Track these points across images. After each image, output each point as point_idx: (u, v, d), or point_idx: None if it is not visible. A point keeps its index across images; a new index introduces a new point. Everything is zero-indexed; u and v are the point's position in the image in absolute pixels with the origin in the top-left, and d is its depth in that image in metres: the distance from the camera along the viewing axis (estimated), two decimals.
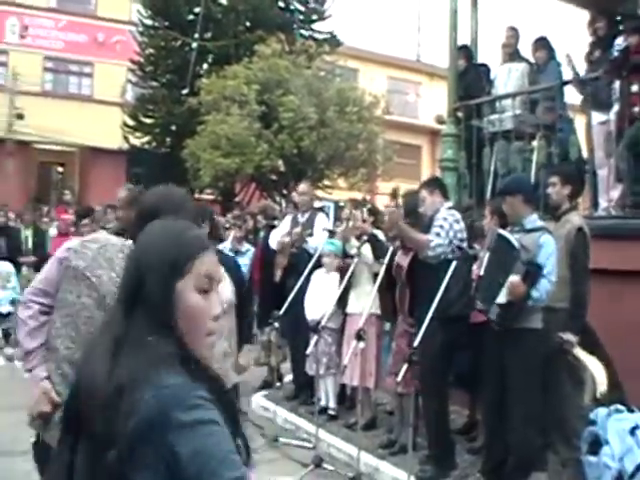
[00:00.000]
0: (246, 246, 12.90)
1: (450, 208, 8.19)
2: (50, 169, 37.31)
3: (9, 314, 15.22)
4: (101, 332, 2.27)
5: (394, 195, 7.91)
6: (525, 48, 11.95)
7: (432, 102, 38.53)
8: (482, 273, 7.11)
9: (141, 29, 31.51)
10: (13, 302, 15.22)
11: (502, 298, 6.77)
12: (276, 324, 10.02)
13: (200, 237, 2.34)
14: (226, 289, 6.10)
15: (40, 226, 17.49)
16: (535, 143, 11.00)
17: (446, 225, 7.80)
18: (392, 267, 8.69)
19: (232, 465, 2.02)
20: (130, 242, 4.08)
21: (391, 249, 8.80)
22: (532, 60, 11.72)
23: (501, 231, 7.07)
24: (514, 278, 6.66)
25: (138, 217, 3.79)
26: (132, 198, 6.31)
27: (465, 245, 8.00)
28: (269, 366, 12.06)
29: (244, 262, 12.13)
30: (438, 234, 7.76)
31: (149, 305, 2.18)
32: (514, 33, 12.14)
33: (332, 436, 9.30)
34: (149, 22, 31.15)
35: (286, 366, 11.75)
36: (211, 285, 2.25)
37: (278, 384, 11.32)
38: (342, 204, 15.13)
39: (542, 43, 11.54)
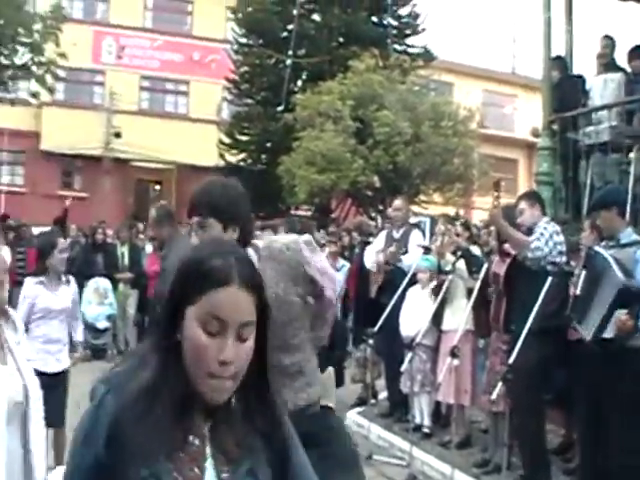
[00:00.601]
0: (341, 262, 12.88)
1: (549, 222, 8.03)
2: (147, 186, 37.83)
3: (106, 330, 15.44)
4: None
5: (496, 189, 7.73)
6: (621, 57, 11.69)
7: (528, 114, 38.05)
8: (578, 292, 6.92)
9: (236, 47, 31.89)
10: (110, 318, 15.44)
11: (609, 333, 6.52)
12: (371, 341, 9.96)
13: (223, 270, 2.01)
14: None
15: (136, 243, 17.69)
16: (632, 155, 10.74)
17: (546, 234, 7.60)
18: (487, 282, 8.57)
19: None
20: None
21: (486, 265, 8.69)
22: (628, 69, 11.46)
23: (597, 248, 6.90)
24: (622, 314, 6.39)
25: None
26: (162, 216, 6.38)
27: (564, 259, 7.81)
28: (364, 383, 11.98)
29: (339, 278, 12.12)
30: (538, 239, 7.58)
31: (157, 322, 2.11)
32: (609, 42, 11.86)
33: (426, 454, 9.21)
34: (244, 40, 31.52)
35: (381, 383, 11.67)
36: (222, 329, 1.97)
37: (373, 401, 11.25)
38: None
39: (638, 52, 11.28)
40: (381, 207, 23.38)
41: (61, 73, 24.56)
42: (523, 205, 8.03)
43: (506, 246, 8.10)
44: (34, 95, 24.46)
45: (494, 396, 6.96)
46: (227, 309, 1.98)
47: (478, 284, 8.58)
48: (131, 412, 1.96)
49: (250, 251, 3.88)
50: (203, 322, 1.97)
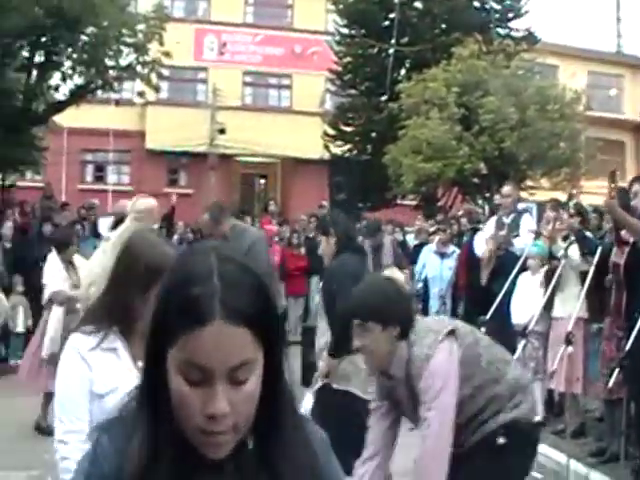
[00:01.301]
0: (451, 248, 12.82)
1: None
2: (252, 181, 38.08)
3: None
4: None
5: (612, 179, 7.59)
6: None
7: (635, 95, 37.36)
8: None
9: (338, 38, 31.84)
10: None
11: None
12: (482, 329, 9.88)
13: (200, 302, 1.56)
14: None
15: None
16: None
17: None
18: (600, 268, 8.42)
19: None
20: None
21: (600, 248, 8.54)
22: None
23: None
24: None
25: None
26: (216, 214, 6.42)
27: None
28: None
29: (449, 265, 12.08)
30: None
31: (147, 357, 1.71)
32: None
33: (540, 443, 9.10)
34: (345, 31, 31.46)
35: None
36: (207, 377, 1.56)
37: None
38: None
39: None
40: (487, 194, 23.21)
41: (164, 72, 24.85)
42: (637, 187, 7.87)
43: (623, 234, 7.93)
44: (140, 94, 24.84)
45: (611, 383, 6.84)
46: (208, 354, 1.55)
47: (592, 270, 8.44)
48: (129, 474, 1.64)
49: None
50: (182, 370, 1.56)
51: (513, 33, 29.79)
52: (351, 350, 5.94)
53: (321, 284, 6.77)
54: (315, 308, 7.02)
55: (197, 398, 1.56)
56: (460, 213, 16.64)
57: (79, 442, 3.11)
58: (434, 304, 12.08)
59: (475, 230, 12.12)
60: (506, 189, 11.49)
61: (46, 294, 10.38)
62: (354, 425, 6.00)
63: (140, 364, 3.41)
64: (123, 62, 21.10)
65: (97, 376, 3.30)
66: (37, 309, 12.50)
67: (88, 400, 3.31)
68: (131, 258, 3.40)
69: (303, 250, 18.36)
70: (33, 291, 14.36)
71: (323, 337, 6.61)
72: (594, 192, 19.97)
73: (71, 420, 3.28)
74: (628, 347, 6.75)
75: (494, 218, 11.59)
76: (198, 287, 1.56)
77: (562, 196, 17.17)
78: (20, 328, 14.97)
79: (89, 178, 37.29)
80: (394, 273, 12.02)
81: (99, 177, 37.34)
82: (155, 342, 1.63)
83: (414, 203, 27.89)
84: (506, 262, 10.49)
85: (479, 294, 11.20)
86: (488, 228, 11.38)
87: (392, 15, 28.51)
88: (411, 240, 17.79)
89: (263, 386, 1.64)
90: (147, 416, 1.67)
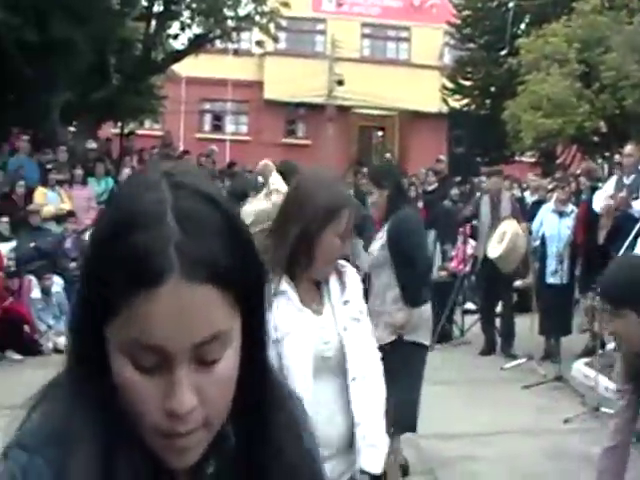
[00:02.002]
0: (570, 207, 12.58)
1: None
2: (370, 133, 38.04)
3: None
4: None
5: None
6: None
7: None
8: None
9: None
10: None
11: None
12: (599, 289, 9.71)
13: (148, 250, 1.08)
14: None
15: (361, 188, 17.91)
16: None
17: None
18: None
19: None
20: None
21: None
22: None
23: None
24: None
25: None
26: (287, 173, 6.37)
27: None
28: (592, 332, 11.73)
29: (567, 224, 11.88)
30: None
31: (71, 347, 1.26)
32: None
33: None
34: None
35: None
36: (164, 361, 1.10)
37: (600, 351, 10.99)
38: None
39: None
40: (607, 153, 22.76)
41: (282, 23, 24.90)
42: None
43: None
44: (259, 44, 24.94)
45: None
46: (164, 328, 1.08)
47: None
48: None
49: None
50: (128, 352, 1.11)
51: None
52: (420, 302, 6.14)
53: (382, 238, 6.69)
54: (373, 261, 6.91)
55: (152, 389, 1.11)
56: (579, 171, 16.36)
57: None
58: (551, 263, 11.88)
59: (594, 189, 11.89)
60: (628, 148, 11.20)
61: None
62: (421, 374, 6.64)
63: (312, 305, 3.38)
64: (241, 12, 21.20)
65: (272, 321, 3.14)
66: None
67: None
68: (303, 199, 3.30)
69: (420, 204, 18.25)
70: None
71: (390, 291, 6.62)
72: None
73: None
74: None
75: (614, 178, 11.35)
76: (143, 232, 1.09)
77: None
78: None
79: (207, 127, 37.75)
80: (512, 225, 11.92)
81: (217, 126, 37.81)
82: (87, 316, 1.15)
83: (533, 160, 27.58)
84: (624, 224, 10.25)
85: (597, 253, 11.01)
86: (607, 188, 11.14)
87: None
88: (529, 197, 17.56)
89: (242, 365, 1.20)
90: (90, 419, 1.16)
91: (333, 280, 3.40)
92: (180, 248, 1.08)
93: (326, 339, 3.29)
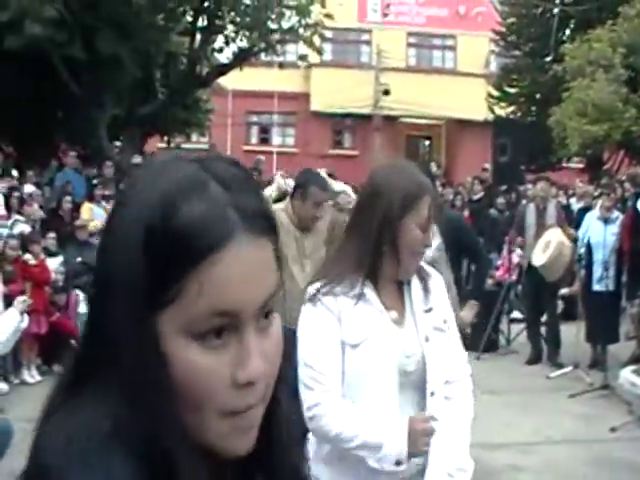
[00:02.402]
0: (616, 213, 12.49)
1: None
2: (417, 142, 38.04)
3: None
4: None
5: None
6: None
7: None
8: None
9: None
10: None
11: None
12: None
13: (210, 217, 1.08)
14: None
15: None
16: None
17: None
18: None
19: None
20: None
21: None
22: None
23: None
24: None
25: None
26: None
27: None
28: (639, 340, 11.63)
29: (613, 230, 11.79)
30: None
31: (103, 339, 1.11)
32: None
33: None
34: None
35: None
36: (232, 327, 1.09)
37: None
38: None
39: None
40: None
41: (328, 34, 25.00)
42: None
43: None
44: (302, 57, 25.01)
45: None
46: (235, 287, 1.07)
47: None
48: None
49: None
50: (192, 331, 1.07)
51: None
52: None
53: (437, 239, 6.70)
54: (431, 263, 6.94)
55: (221, 364, 1.09)
56: (623, 177, 16.23)
57: (332, 401, 2.93)
58: (597, 270, 11.80)
59: (639, 195, 11.79)
60: None
61: None
62: None
63: (392, 313, 3.11)
64: (285, 25, 21.28)
65: (347, 325, 2.96)
66: None
67: (339, 354, 2.98)
68: (379, 188, 3.06)
69: (467, 212, 18.21)
70: None
71: (450, 292, 6.67)
72: None
73: (321, 381, 2.94)
74: None
75: None
76: (196, 200, 1.07)
77: None
78: None
79: (254, 140, 37.93)
80: (557, 234, 11.85)
81: (264, 139, 37.98)
82: (132, 314, 1.07)
83: (580, 166, 27.43)
84: None
85: None
86: None
87: None
88: (575, 204, 17.46)
89: None
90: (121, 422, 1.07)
91: (416, 285, 3.15)
92: (236, 206, 1.08)
93: (408, 352, 3.04)
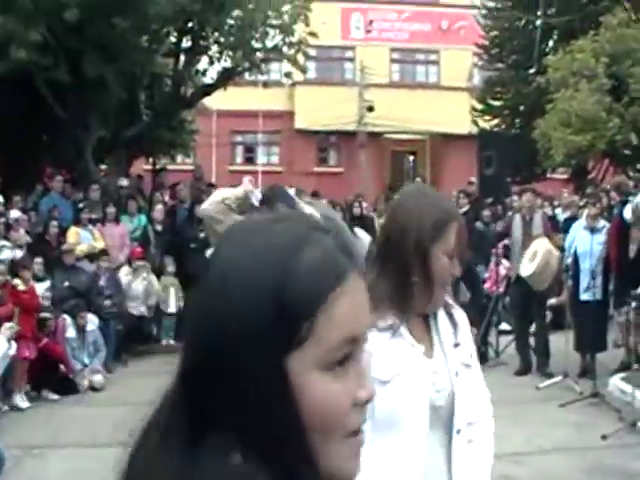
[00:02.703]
0: (602, 222, 12.54)
1: None
2: (402, 158, 38.08)
3: None
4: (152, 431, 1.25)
5: None
6: None
7: None
8: None
9: (484, 12, 31.57)
10: None
11: None
12: (634, 303, 9.69)
13: (335, 259, 1.21)
14: None
15: None
16: None
17: None
18: None
19: None
20: None
21: None
22: None
23: None
24: None
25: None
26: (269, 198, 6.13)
27: None
28: (627, 347, 11.67)
29: (599, 239, 11.84)
30: None
31: (230, 397, 1.16)
32: None
33: None
34: (492, 4, 31.17)
35: None
36: (352, 353, 1.19)
37: (636, 366, 10.92)
38: None
39: None
40: (639, 166, 22.63)
41: (311, 52, 24.99)
42: None
43: None
44: (287, 75, 25.01)
45: None
46: (357, 315, 1.20)
47: None
48: None
49: None
50: (326, 362, 1.16)
51: None
52: None
53: None
54: None
55: (347, 388, 1.18)
56: (608, 186, 16.29)
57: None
58: (584, 279, 11.84)
59: (625, 203, 11.84)
60: None
61: None
62: None
63: (422, 347, 2.98)
64: (269, 44, 21.31)
65: (378, 361, 2.70)
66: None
67: None
68: (408, 216, 2.93)
69: None
70: (184, 272, 14.81)
71: None
72: None
73: None
74: None
75: None
76: (313, 246, 1.19)
77: None
78: (172, 309, 15.30)
79: (239, 159, 37.97)
80: (544, 244, 11.90)
81: (249, 158, 38.02)
82: (266, 361, 1.14)
83: (565, 177, 27.51)
84: None
85: (629, 269, 10.98)
86: (639, 200, 11.12)
87: None
88: (560, 214, 17.52)
89: None
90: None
91: (443, 318, 3.06)
92: (342, 248, 1.22)
93: (438, 386, 2.95)
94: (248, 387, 1.13)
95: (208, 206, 5.82)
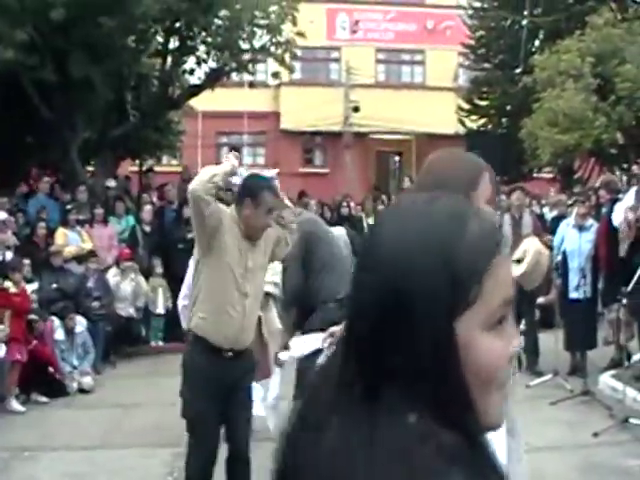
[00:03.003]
0: (590, 221, 12.56)
1: None
2: (387, 158, 38.04)
3: None
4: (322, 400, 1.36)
5: None
6: None
7: None
8: None
9: (470, 12, 31.61)
10: None
11: None
12: (624, 301, 9.71)
13: (493, 229, 1.37)
14: None
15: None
16: None
17: None
18: None
19: None
20: None
21: None
22: None
23: None
24: None
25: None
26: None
27: None
28: (617, 344, 11.69)
29: (588, 238, 11.85)
30: None
31: (407, 358, 1.26)
32: None
33: None
34: (478, 4, 31.21)
35: (635, 344, 11.37)
36: (507, 309, 1.33)
37: (627, 363, 10.94)
38: None
39: None
40: (625, 165, 22.69)
41: (297, 52, 24.95)
42: None
43: None
44: (275, 75, 24.91)
45: None
46: (510, 279, 1.35)
47: None
48: None
49: None
50: (490, 322, 1.30)
51: None
52: None
53: None
54: None
55: (505, 344, 1.32)
56: (598, 184, 16.31)
57: None
58: (573, 278, 11.85)
59: (614, 201, 11.86)
60: None
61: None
62: None
63: None
64: (257, 44, 21.24)
65: None
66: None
67: None
68: (441, 177, 2.97)
69: None
70: (172, 273, 14.73)
71: None
72: None
73: None
74: None
75: (634, 189, 11.33)
76: (474, 219, 1.33)
77: None
78: (160, 310, 15.24)
79: (224, 161, 37.75)
80: (534, 243, 11.89)
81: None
82: (439, 327, 1.26)
83: (550, 176, 27.58)
84: None
85: (619, 267, 10.99)
86: (627, 199, 11.13)
87: None
88: (548, 213, 17.53)
89: None
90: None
91: None
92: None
93: None
94: (423, 349, 1.25)
95: (197, 186, 5.66)
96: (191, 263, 7.73)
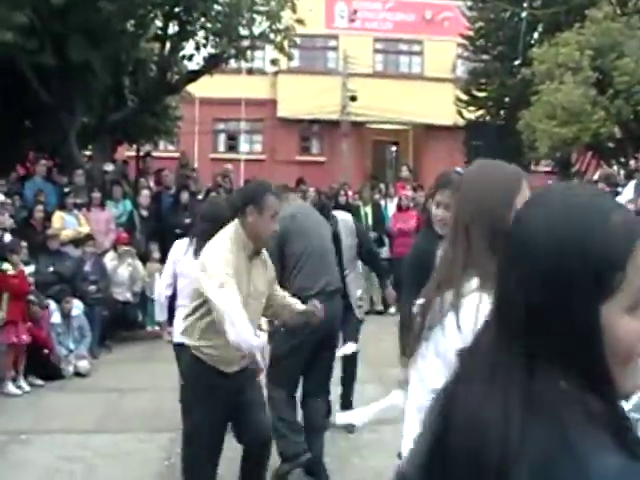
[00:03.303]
0: None
1: None
2: (384, 148, 38.04)
3: None
4: (479, 375, 1.51)
5: None
6: None
7: None
8: None
9: (470, 3, 31.56)
10: None
11: None
12: None
13: (633, 218, 1.48)
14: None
15: (379, 203, 18.09)
16: None
17: None
18: None
19: None
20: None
21: None
22: None
23: None
24: None
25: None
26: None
27: None
28: None
29: None
30: None
31: (561, 337, 1.41)
32: None
33: None
34: None
35: None
36: None
37: None
38: None
39: None
40: (623, 159, 22.70)
41: (296, 40, 24.87)
42: None
43: None
44: (274, 62, 24.82)
45: None
46: None
47: None
48: None
49: None
50: (630, 305, 1.41)
51: None
52: None
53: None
54: None
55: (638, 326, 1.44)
56: (596, 177, 16.29)
57: None
58: None
59: (615, 194, 11.85)
60: None
61: None
62: None
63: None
64: (256, 30, 21.14)
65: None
66: None
67: None
68: (480, 190, 2.96)
69: None
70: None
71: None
72: None
73: None
74: None
75: (633, 182, 11.32)
76: (615, 210, 1.47)
77: None
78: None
79: (221, 147, 37.88)
80: None
81: (231, 146, 37.91)
82: (591, 300, 1.40)
83: (548, 169, 27.56)
84: None
85: None
86: (626, 193, 11.12)
87: None
88: None
89: None
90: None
91: None
92: None
93: None
94: (573, 330, 1.41)
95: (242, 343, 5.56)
96: (173, 251, 7.75)
